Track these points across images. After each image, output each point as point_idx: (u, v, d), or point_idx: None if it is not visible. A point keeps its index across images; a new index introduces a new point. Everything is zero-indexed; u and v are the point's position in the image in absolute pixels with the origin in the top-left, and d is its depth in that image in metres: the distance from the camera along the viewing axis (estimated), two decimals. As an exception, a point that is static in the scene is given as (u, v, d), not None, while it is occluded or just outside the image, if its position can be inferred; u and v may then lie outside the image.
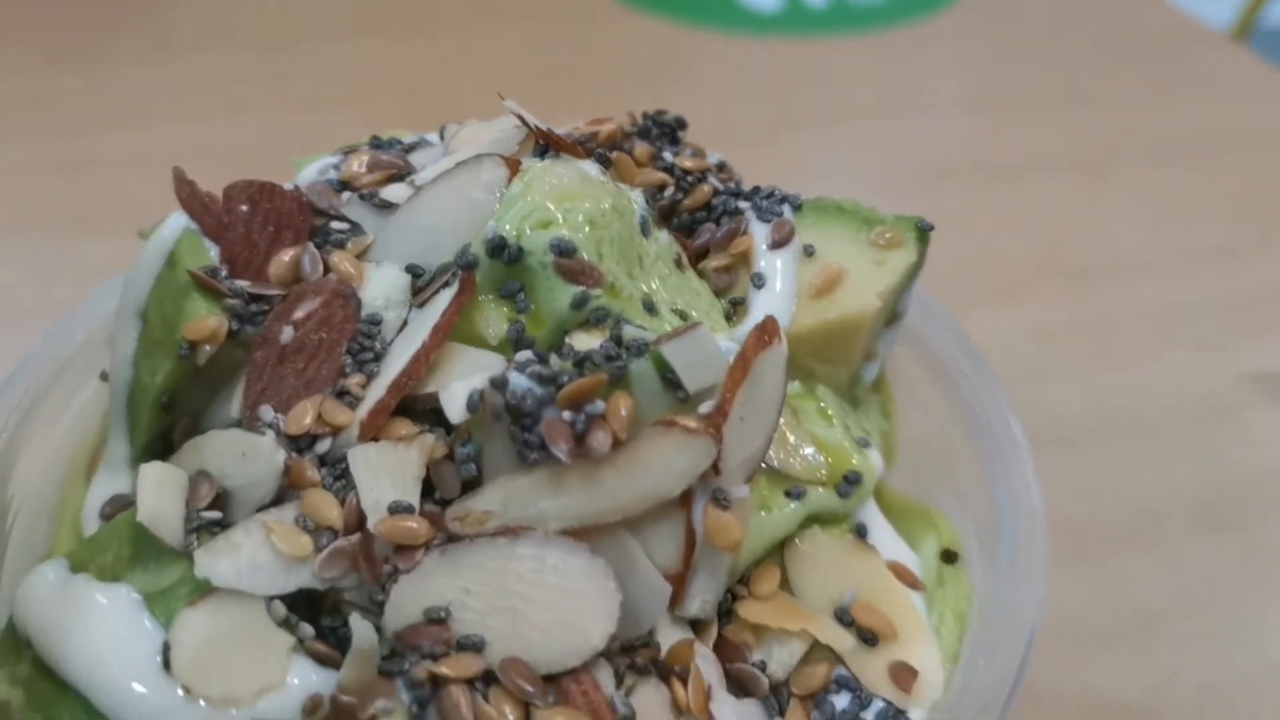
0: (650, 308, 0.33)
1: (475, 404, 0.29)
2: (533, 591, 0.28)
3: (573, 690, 0.28)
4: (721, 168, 0.40)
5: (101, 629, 0.28)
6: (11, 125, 0.85)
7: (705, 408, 0.30)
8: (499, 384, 0.29)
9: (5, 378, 0.38)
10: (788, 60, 0.96)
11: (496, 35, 0.98)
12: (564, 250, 0.32)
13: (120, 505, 0.34)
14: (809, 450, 0.34)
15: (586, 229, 0.32)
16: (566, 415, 0.29)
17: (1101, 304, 0.79)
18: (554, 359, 0.30)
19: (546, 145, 0.34)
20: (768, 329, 0.31)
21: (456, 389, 0.30)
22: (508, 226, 0.32)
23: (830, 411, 0.36)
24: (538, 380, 0.29)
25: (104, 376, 0.37)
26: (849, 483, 0.34)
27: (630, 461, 0.29)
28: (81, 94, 0.89)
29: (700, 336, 0.30)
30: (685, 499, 0.30)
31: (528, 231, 0.32)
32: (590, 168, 0.34)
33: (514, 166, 0.33)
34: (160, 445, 0.34)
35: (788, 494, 0.33)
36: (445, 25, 1.00)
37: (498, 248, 0.32)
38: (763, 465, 0.33)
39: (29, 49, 0.95)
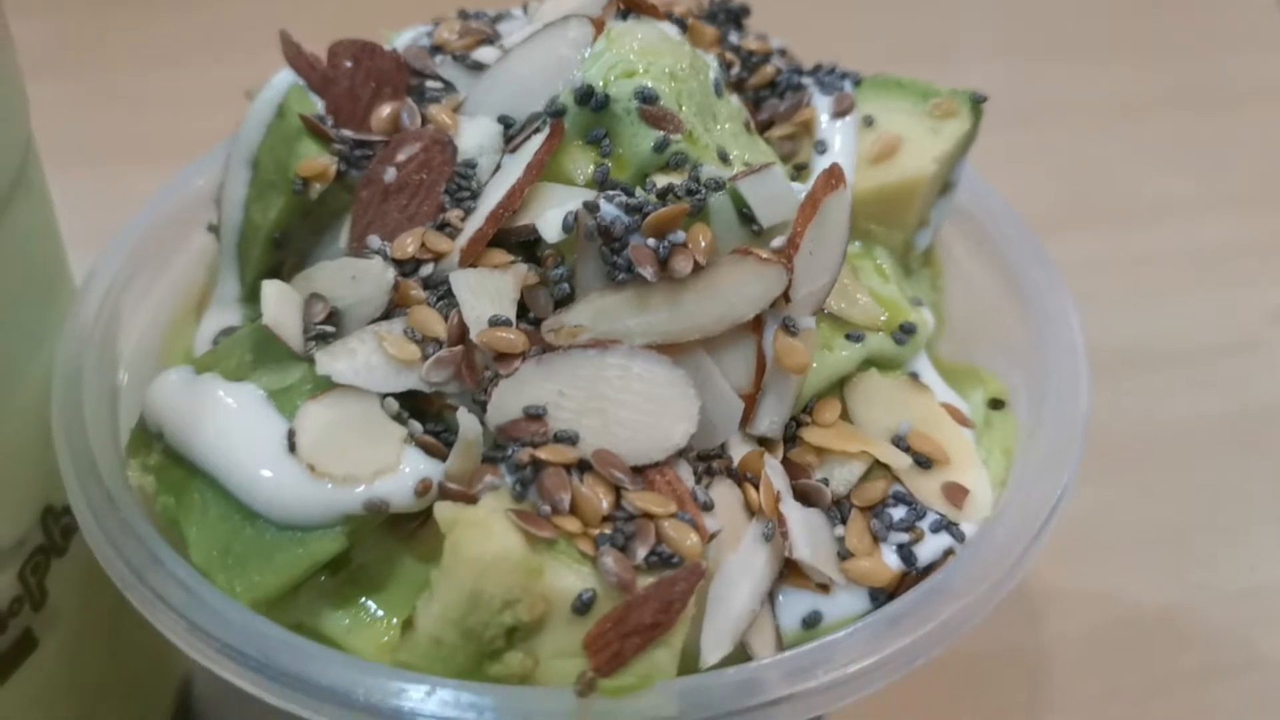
0: (724, 158, 0.35)
1: (570, 225, 0.32)
2: (621, 396, 0.31)
3: (658, 480, 0.31)
4: (783, 52, 0.43)
5: (229, 416, 0.31)
6: (64, 63, 0.87)
7: (777, 242, 0.33)
8: (592, 207, 0.31)
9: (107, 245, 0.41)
10: (814, 11, 0.98)
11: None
12: (647, 97, 0.34)
13: (231, 335, 0.36)
14: (867, 301, 0.37)
15: (669, 81, 0.35)
16: (651, 242, 0.31)
17: (1132, 245, 0.81)
18: (639, 191, 0.33)
19: (628, 9, 0.37)
20: (834, 174, 0.33)
21: (551, 215, 0.33)
22: (595, 76, 0.35)
23: (887, 270, 0.39)
24: (625, 210, 0.32)
25: (211, 228, 0.40)
26: (904, 331, 0.37)
27: (708, 286, 0.32)
28: (133, 35, 0.91)
29: (774, 174, 0.33)
30: (757, 325, 0.33)
31: (613, 80, 0.34)
32: (670, 29, 0.37)
33: (599, 26, 0.36)
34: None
35: (848, 337, 0.36)
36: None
37: (585, 95, 0.34)
38: (825, 312, 0.36)
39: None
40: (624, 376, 0.31)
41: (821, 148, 0.39)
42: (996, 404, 0.38)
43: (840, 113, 0.39)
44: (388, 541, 0.32)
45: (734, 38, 0.42)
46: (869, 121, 0.39)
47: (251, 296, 0.37)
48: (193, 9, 0.94)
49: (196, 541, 0.31)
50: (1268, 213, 0.83)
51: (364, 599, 0.32)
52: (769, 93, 0.41)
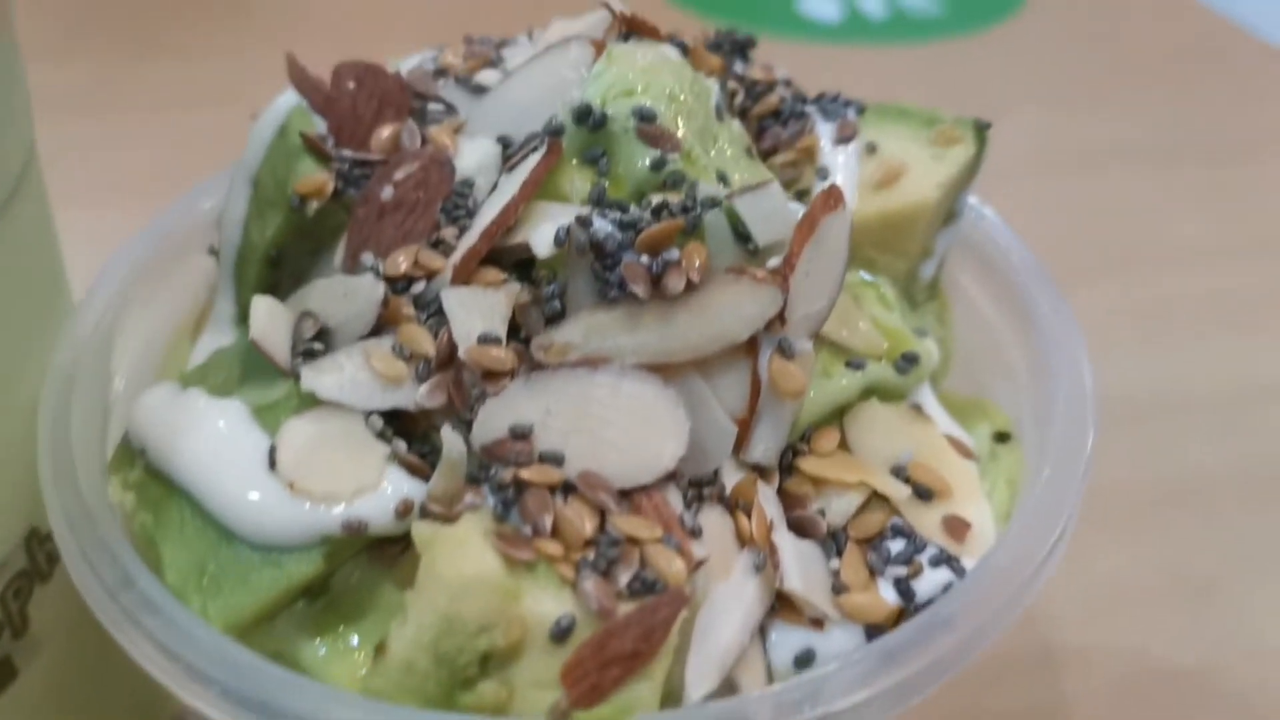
0: (724, 179, 0.35)
1: (562, 239, 0.31)
2: (609, 414, 0.30)
3: (645, 504, 0.30)
4: (788, 83, 0.42)
5: (210, 433, 0.31)
6: (104, 103, 0.89)
7: (773, 262, 0.32)
8: (584, 221, 0.31)
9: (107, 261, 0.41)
10: (845, 65, 0.98)
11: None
12: (645, 116, 0.34)
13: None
14: (868, 328, 0.36)
15: (668, 101, 0.34)
16: (644, 259, 0.31)
17: (1150, 292, 0.80)
18: (633, 208, 0.32)
19: (630, 32, 0.37)
20: (833, 194, 0.33)
21: (545, 229, 0.32)
22: (593, 95, 0.34)
23: (890, 299, 0.38)
24: (618, 226, 0.31)
25: (211, 251, 0.40)
26: (907, 360, 0.36)
27: (702, 305, 0.31)
28: (172, 81, 0.93)
29: (772, 191, 0.32)
30: (752, 348, 0.32)
31: (612, 99, 0.34)
32: (671, 51, 0.36)
33: (600, 48, 0.36)
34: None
35: (848, 364, 0.35)
36: None
37: (583, 114, 0.34)
38: (824, 338, 0.35)
39: (117, 41, 1.00)
40: (613, 395, 0.30)
41: (824, 174, 0.38)
42: (1002, 437, 0.37)
43: (843, 139, 0.39)
44: (369, 569, 0.31)
45: (739, 67, 0.42)
46: (872, 149, 0.39)
47: (246, 317, 0.37)
48: (201, 57, 0.96)
49: (172, 561, 0.30)
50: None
51: (342, 628, 0.31)
52: (772, 121, 0.40)
